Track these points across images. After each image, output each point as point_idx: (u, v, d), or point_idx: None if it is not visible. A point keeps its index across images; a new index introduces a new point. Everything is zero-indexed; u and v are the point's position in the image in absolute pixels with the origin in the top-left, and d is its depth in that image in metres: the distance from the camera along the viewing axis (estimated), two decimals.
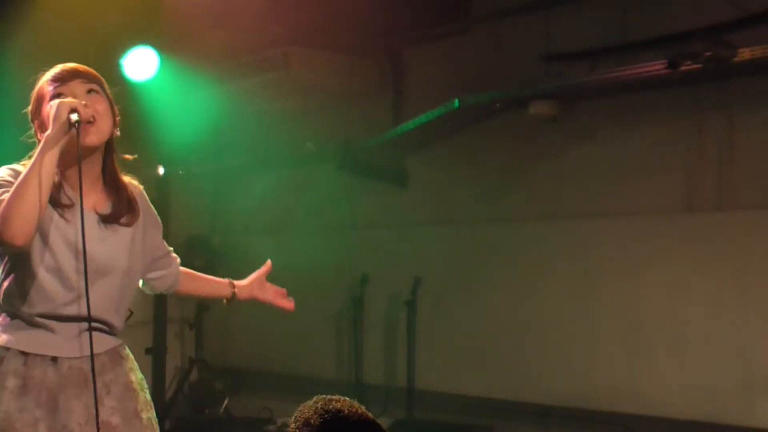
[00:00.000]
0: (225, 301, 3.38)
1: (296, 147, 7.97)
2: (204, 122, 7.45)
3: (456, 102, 6.62)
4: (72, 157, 2.76)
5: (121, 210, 2.96)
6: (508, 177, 7.10)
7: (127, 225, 2.96)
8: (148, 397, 3.08)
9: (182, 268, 3.31)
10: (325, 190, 8.14)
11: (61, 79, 2.85)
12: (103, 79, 2.95)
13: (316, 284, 8.01)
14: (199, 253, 8.51)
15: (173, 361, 8.22)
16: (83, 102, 2.76)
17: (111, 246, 2.90)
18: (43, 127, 2.82)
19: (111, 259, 2.90)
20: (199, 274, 3.41)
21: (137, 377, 3.05)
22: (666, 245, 6.29)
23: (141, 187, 3.12)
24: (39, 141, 2.84)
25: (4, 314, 2.87)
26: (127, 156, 2.99)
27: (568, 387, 6.59)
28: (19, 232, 2.63)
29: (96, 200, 2.92)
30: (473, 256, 7.22)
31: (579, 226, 6.69)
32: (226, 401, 7.81)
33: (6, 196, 2.68)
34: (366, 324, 7.77)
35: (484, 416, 6.87)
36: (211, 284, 3.39)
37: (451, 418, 6.94)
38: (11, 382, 2.78)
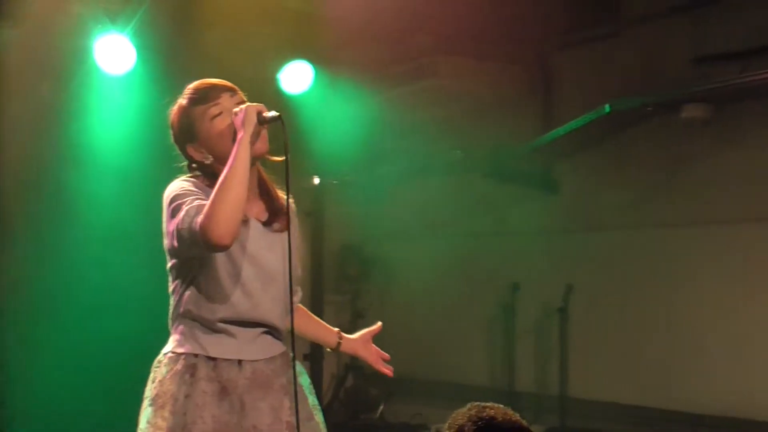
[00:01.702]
0: (329, 348, 3.36)
1: (446, 155, 8.02)
2: (356, 132, 7.57)
3: (607, 107, 6.55)
4: None
5: (274, 216, 3.03)
6: (659, 182, 6.98)
7: (280, 231, 3.03)
8: (316, 401, 3.17)
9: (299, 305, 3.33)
10: (475, 198, 8.17)
11: (208, 98, 2.95)
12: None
13: (467, 291, 8.05)
14: (352, 262, 8.67)
15: (329, 368, 8.35)
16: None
17: (278, 253, 2.97)
18: (205, 147, 2.95)
19: (279, 265, 2.97)
20: (313, 315, 3.38)
21: (306, 381, 3.15)
22: None
23: (292, 200, 3.15)
24: (197, 163, 2.98)
25: (182, 325, 2.97)
26: (275, 158, 3.02)
27: (723, 396, 6.43)
28: (227, 230, 2.72)
29: (258, 209, 3.00)
30: (625, 263, 7.13)
31: (733, 231, 6.53)
32: (381, 407, 7.90)
33: (198, 202, 2.79)
34: (518, 331, 7.76)
35: (638, 425, 6.77)
36: (321, 329, 3.35)
37: (604, 426, 6.86)
38: (210, 387, 2.89)
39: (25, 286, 6.22)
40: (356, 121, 7.54)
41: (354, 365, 8.40)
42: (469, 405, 2.40)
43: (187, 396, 2.88)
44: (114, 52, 6.04)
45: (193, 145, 2.97)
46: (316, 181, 7.62)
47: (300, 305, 3.28)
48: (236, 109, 2.87)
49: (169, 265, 3.00)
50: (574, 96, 7.38)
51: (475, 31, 7.14)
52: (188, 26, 6.34)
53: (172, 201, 2.86)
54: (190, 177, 2.98)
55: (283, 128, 2.84)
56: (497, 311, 7.86)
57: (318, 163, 7.56)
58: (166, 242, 2.91)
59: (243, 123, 2.81)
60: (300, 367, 3.13)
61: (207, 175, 2.95)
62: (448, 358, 8.31)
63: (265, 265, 2.96)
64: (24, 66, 6.00)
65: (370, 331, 3.35)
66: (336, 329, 3.34)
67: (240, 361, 2.94)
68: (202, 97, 2.96)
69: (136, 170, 6.04)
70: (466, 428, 2.32)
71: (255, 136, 2.83)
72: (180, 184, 2.93)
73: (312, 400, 3.15)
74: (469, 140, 7.92)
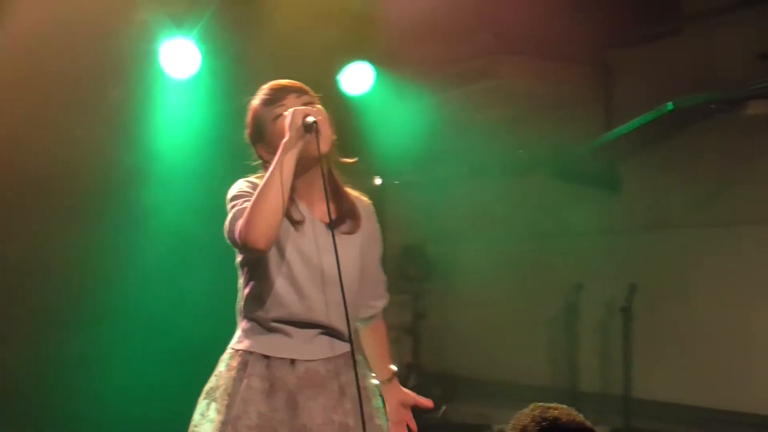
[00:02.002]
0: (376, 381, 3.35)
1: (508, 155, 8.01)
2: (417, 133, 7.59)
3: (669, 105, 6.50)
4: (302, 167, 2.90)
5: (342, 217, 3.07)
6: (723, 180, 6.90)
7: (349, 233, 3.06)
8: (380, 404, 3.19)
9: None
10: (537, 198, 8.14)
11: (275, 99, 3.00)
12: (311, 91, 3.07)
13: (530, 291, 8.03)
14: (413, 262, 8.69)
15: None
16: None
17: (342, 255, 2.94)
18: (270, 147, 2.98)
19: (343, 267, 2.93)
20: (384, 340, 3.38)
21: (370, 383, 3.17)
22: None
23: (370, 202, 3.21)
24: (267, 162, 3.01)
25: (244, 321, 3.04)
26: (347, 159, 3.07)
27: None
28: (263, 235, 2.77)
29: (323, 210, 3.02)
30: (689, 262, 7.05)
31: None
32: (443, 407, 7.90)
33: (246, 204, 2.84)
34: (581, 331, 7.72)
35: (703, 426, 6.70)
36: (381, 358, 3.35)
37: (669, 427, 6.80)
38: (259, 384, 2.94)
39: (96, 289, 6.34)
40: (418, 122, 7.56)
41: (416, 364, 8.43)
42: (532, 405, 2.41)
43: (238, 392, 2.94)
44: (179, 56, 6.13)
45: (262, 145, 3.04)
46: (378, 181, 7.64)
47: (381, 322, 3.32)
48: (285, 113, 2.91)
49: (236, 261, 3.09)
50: (636, 94, 7.32)
51: (536, 30, 7.11)
52: (251, 29, 6.40)
53: (229, 202, 2.95)
54: (258, 176, 3.03)
55: (317, 135, 2.85)
56: (560, 311, 7.83)
57: (380, 164, 7.59)
58: None
59: (289, 126, 2.85)
60: (366, 369, 3.16)
61: None
62: (511, 358, 8.29)
63: (321, 267, 2.99)
64: (90, 71, 6.11)
65: (415, 399, 3.36)
66: (393, 369, 3.33)
67: (293, 361, 2.98)
68: (271, 98, 3.02)
69: (202, 173, 6.12)
70: (529, 429, 2.33)
71: (298, 139, 2.85)
72: (238, 185, 3.00)
73: (376, 402, 3.17)
74: (532, 140, 7.90)
